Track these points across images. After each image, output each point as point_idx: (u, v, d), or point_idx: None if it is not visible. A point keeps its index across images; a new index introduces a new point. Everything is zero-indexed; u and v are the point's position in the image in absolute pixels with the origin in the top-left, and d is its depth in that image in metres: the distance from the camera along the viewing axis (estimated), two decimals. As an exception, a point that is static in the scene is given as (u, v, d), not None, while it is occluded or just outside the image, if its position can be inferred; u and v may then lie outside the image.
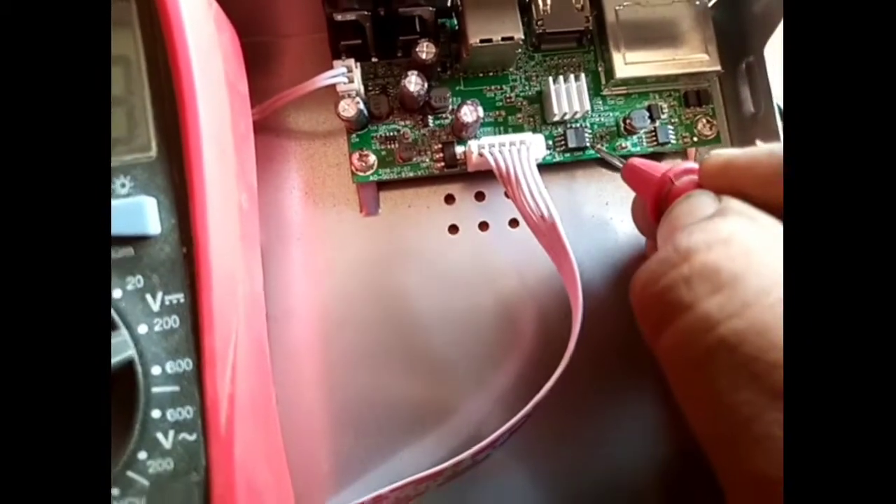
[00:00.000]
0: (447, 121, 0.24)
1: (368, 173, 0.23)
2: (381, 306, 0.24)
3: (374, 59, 0.24)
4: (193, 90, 0.16)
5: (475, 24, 0.22)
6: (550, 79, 0.23)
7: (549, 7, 0.23)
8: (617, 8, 0.24)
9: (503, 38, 0.22)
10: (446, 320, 0.24)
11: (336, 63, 0.22)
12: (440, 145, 0.24)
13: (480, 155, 0.22)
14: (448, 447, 0.24)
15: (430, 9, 0.21)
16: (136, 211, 0.16)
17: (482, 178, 0.24)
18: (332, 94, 0.23)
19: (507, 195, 0.21)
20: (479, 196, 0.25)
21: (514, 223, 0.25)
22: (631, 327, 0.17)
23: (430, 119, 0.24)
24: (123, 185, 0.16)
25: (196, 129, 0.16)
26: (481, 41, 0.22)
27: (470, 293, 0.24)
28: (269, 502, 0.17)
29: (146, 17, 0.16)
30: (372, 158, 0.23)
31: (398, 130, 0.24)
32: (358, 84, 0.22)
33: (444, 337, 0.24)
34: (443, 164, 0.23)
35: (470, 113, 0.22)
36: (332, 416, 0.23)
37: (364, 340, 0.24)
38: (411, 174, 0.24)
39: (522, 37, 0.22)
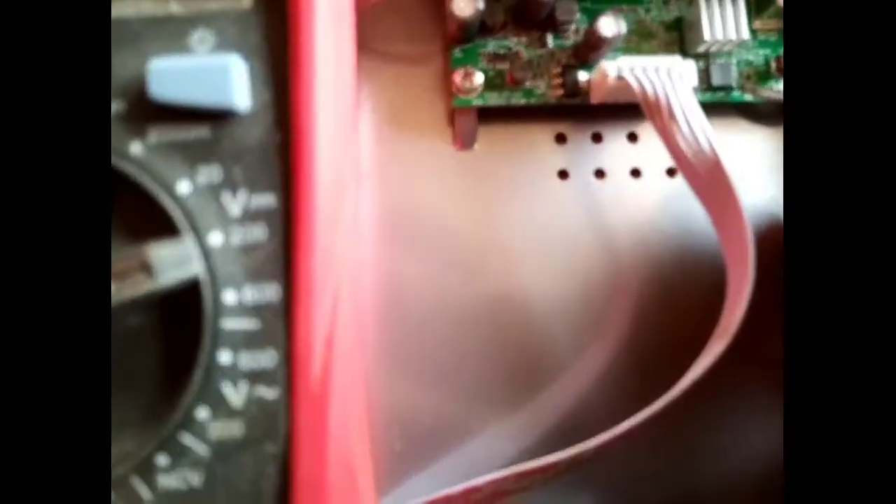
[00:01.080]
0: (569, 41, 0.20)
1: (472, 95, 0.19)
2: (469, 258, 0.20)
3: (485, -39, 0.20)
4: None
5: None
6: (702, 1, 0.19)
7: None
8: (779, -76, 0.20)
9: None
10: (545, 279, 0.20)
11: (450, -48, 0.18)
12: (560, 69, 0.19)
13: (620, 78, 0.18)
14: (539, 435, 0.19)
15: None
16: (217, 74, 0.11)
17: (603, 115, 0.20)
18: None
19: (656, 128, 0.17)
20: (597, 138, 0.20)
21: (635, 173, 0.20)
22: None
23: (550, 37, 0.20)
24: (202, 39, 0.12)
25: (308, -30, 0.12)
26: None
27: (577, 251, 0.20)
28: (362, 486, 0.13)
29: None
30: (478, 78, 0.19)
31: (510, 48, 0.19)
32: (475, -19, 0.18)
33: (542, 299, 0.20)
34: (562, 91, 0.19)
35: (610, 25, 0.18)
36: (405, 382, 0.19)
37: (446, 296, 0.19)
38: (522, 101, 0.19)
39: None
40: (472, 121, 0.20)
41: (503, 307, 0.20)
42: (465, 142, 0.20)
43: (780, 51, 0.20)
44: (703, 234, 0.20)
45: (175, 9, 0.12)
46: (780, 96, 0.20)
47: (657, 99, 0.17)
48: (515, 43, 0.19)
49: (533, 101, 0.19)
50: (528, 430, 0.19)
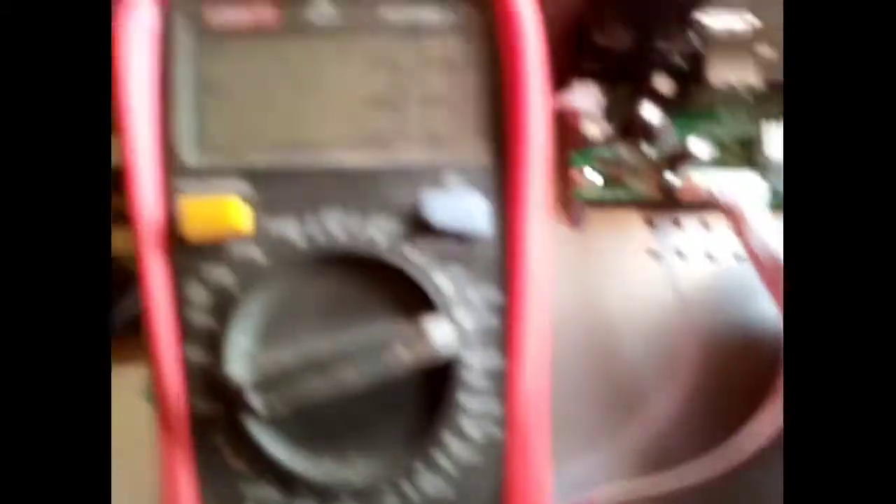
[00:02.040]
0: (664, 151, 0.25)
1: (587, 190, 0.24)
2: (574, 320, 0.25)
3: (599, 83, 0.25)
4: (535, 100, 0.17)
5: (716, 67, 0.23)
6: (766, 124, 0.25)
7: (774, 57, 0.25)
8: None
9: (742, 85, 0.23)
10: (635, 336, 0.25)
11: (580, 84, 0.23)
12: (656, 172, 0.25)
13: (706, 189, 0.23)
14: (628, 461, 0.25)
15: (683, 48, 0.22)
16: (470, 208, 0.17)
17: (688, 207, 0.26)
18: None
19: (733, 231, 0.23)
20: (678, 224, 0.26)
21: (710, 256, 0.26)
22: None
23: (649, 146, 0.25)
24: (456, 182, 0.17)
25: (529, 139, 0.17)
26: (721, 84, 0.23)
27: (661, 314, 0.25)
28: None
29: (489, 27, 0.17)
30: (592, 177, 0.24)
31: (617, 154, 0.25)
32: (596, 107, 0.23)
33: (631, 351, 0.25)
34: (658, 190, 0.25)
35: (699, 146, 0.23)
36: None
37: (559, 347, 0.25)
38: (626, 197, 0.25)
39: (761, 85, 0.23)
40: (583, 207, 0.25)
41: (600, 358, 0.25)
42: (575, 223, 0.25)
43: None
44: (767, 309, 0.25)
45: (439, 158, 0.17)
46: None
47: (734, 209, 0.23)
48: (622, 149, 0.25)
49: (634, 198, 0.25)
50: (616, 456, 0.25)
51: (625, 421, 0.25)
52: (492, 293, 0.17)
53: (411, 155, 0.17)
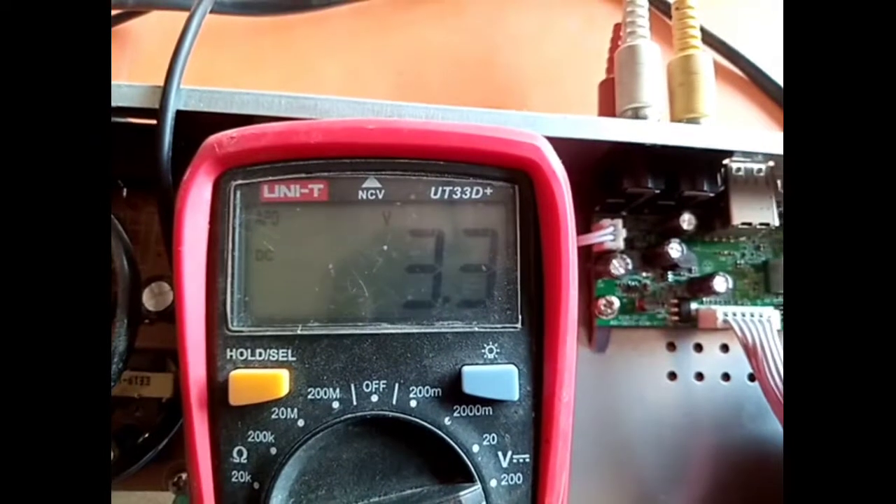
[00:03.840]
0: (684, 278, 0.26)
1: (610, 318, 0.25)
2: (597, 437, 0.26)
3: (623, 213, 0.26)
4: (568, 274, 0.18)
5: (739, 207, 0.24)
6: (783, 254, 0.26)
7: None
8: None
9: (761, 224, 0.24)
10: (653, 448, 0.26)
11: (605, 222, 0.24)
12: (676, 300, 0.26)
13: (725, 322, 0.24)
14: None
15: (710, 193, 0.23)
16: (502, 377, 0.18)
17: (704, 331, 0.26)
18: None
19: (752, 365, 0.24)
20: (698, 348, 0.27)
21: (726, 377, 0.27)
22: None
23: (670, 275, 0.26)
24: (491, 351, 0.18)
25: (565, 308, 0.18)
26: (742, 224, 0.24)
27: (680, 439, 0.26)
28: None
29: (526, 201, 0.18)
30: (616, 304, 0.25)
31: (640, 282, 0.26)
32: (620, 242, 0.24)
33: (651, 462, 0.26)
34: (677, 318, 0.26)
35: (723, 284, 0.24)
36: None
37: (577, 464, 0.25)
38: (647, 323, 0.26)
39: (777, 224, 0.24)
40: (607, 332, 0.26)
41: (621, 467, 0.26)
42: (599, 346, 0.26)
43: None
44: (776, 431, 0.26)
45: (476, 328, 0.18)
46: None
47: (753, 344, 0.23)
48: (644, 278, 0.26)
49: (654, 324, 0.26)
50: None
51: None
52: (521, 455, 0.18)
53: (450, 324, 0.18)
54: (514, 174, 0.18)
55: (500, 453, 0.18)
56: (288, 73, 0.30)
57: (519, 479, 0.18)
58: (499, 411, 0.18)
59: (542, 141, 0.18)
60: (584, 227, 0.25)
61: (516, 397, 0.18)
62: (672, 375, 0.26)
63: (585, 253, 0.26)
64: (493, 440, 0.18)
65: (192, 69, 0.21)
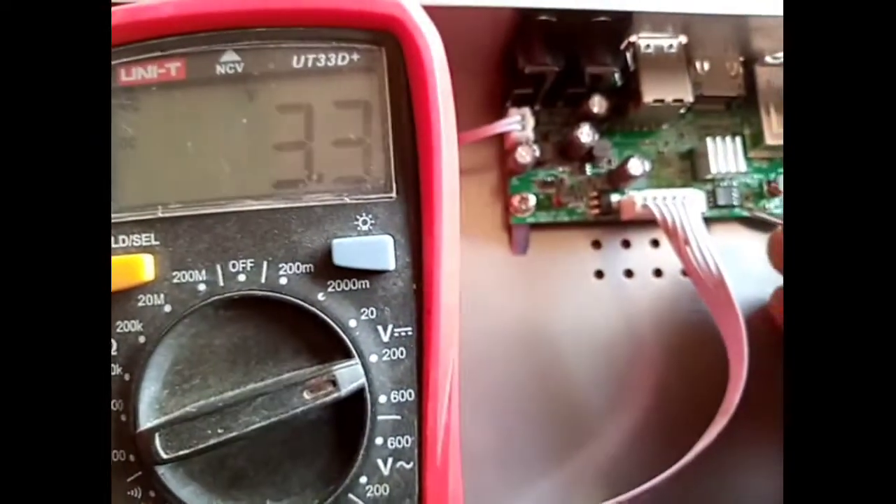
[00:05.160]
0: (603, 170, 0.25)
1: (526, 215, 0.24)
2: (523, 344, 0.25)
3: (536, 108, 0.25)
4: (439, 138, 0.17)
5: (649, 84, 0.23)
6: (708, 139, 0.25)
7: (705, 71, 0.25)
8: (769, 78, 0.25)
9: (674, 100, 0.23)
10: (585, 363, 0.25)
11: (512, 111, 0.23)
12: (596, 193, 0.25)
13: (644, 206, 0.23)
14: (582, 486, 0.24)
15: (614, 69, 0.22)
16: (376, 248, 0.17)
17: (630, 226, 0.25)
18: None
19: (673, 248, 0.23)
20: (626, 244, 0.26)
21: (658, 273, 0.26)
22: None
23: (588, 167, 0.25)
24: (365, 223, 0.17)
25: (438, 174, 0.17)
26: (654, 101, 0.23)
27: (610, 339, 0.25)
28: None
29: (394, 65, 0.17)
30: (532, 201, 0.24)
31: (556, 176, 0.25)
32: (529, 132, 0.23)
33: (582, 378, 0.25)
34: (598, 210, 0.25)
35: (637, 166, 0.23)
36: (470, 452, 0.24)
37: (504, 377, 0.25)
38: (566, 219, 0.25)
39: (692, 99, 0.23)
40: (526, 232, 0.25)
41: (549, 381, 0.25)
42: (519, 248, 0.25)
43: (772, 176, 0.25)
44: (713, 326, 0.25)
45: (347, 200, 0.17)
46: (769, 213, 0.25)
47: (673, 225, 0.22)
48: (560, 172, 0.25)
49: (574, 218, 0.25)
50: (569, 481, 0.24)
51: (578, 443, 0.24)
52: (403, 328, 0.17)
53: (320, 197, 0.17)
54: (379, 36, 0.17)
55: (379, 327, 0.17)
56: None
57: (402, 353, 0.17)
58: (376, 284, 0.17)
59: (405, -4, 0.17)
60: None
61: (392, 267, 0.17)
62: (599, 274, 0.25)
63: (499, 152, 0.25)
64: (372, 314, 0.17)
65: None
